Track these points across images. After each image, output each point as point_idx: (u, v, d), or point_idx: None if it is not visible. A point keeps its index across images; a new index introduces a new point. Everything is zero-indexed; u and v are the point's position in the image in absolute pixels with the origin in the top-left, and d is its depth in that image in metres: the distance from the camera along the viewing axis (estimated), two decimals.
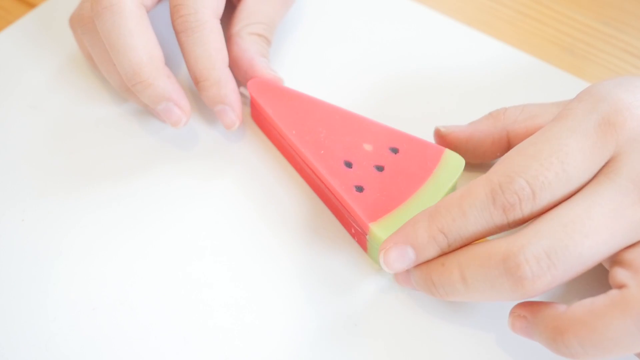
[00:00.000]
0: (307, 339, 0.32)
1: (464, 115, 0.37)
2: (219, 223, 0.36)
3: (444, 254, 0.30)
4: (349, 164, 0.35)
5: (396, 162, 0.35)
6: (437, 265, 0.29)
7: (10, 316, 0.33)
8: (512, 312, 0.30)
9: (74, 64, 0.43)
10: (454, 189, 0.34)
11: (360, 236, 0.34)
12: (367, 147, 0.35)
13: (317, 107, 0.37)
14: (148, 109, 0.40)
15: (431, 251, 0.29)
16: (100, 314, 0.33)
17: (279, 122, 0.37)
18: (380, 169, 0.35)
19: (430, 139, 0.36)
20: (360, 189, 0.34)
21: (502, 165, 0.29)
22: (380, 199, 0.33)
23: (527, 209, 0.28)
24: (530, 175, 0.28)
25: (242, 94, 0.41)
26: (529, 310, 0.29)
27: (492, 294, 0.28)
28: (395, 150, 0.35)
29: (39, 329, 0.32)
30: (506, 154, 0.30)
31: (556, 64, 0.43)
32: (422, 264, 0.30)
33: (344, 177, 0.34)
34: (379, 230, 0.32)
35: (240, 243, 0.35)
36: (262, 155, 0.39)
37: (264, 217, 0.36)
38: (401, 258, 0.30)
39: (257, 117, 0.39)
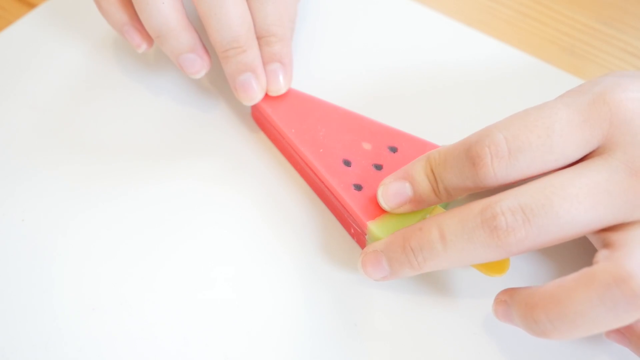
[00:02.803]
0: (306, 339, 0.32)
1: (463, 115, 0.37)
2: (218, 223, 0.36)
3: (435, 197, 0.30)
4: (347, 163, 0.35)
5: (395, 161, 0.35)
6: (415, 230, 0.29)
7: (10, 316, 0.33)
8: (495, 298, 0.30)
9: (74, 64, 0.43)
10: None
11: (359, 236, 0.34)
12: (366, 145, 0.35)
13: (316, 106, 0.37)
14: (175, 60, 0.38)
15: (424, 187, 0.30)
16: (99, 314, 0.33)
17: (278, 121, 0.37)
18: (379, 167, 0.35)
19: (429, 138, 0.36)
20: (358, 187, 0.34)
21: (490, 125, 0.29)
22: None
23: (499, 169, 0.28)
24: (510, 132, 0.27)
25: None
26: (508, 294, 0.29)
27: (469, 250, 0.28)
28: (394, 149, 0.35)
29: (39, 329, 0.32)
30: None
31: (556, 64, 0.43)
32: (399, 233, 0.30)
33: (342, 175, 0.34)
34: (377, 228, 0.32)
35: (240, 242, 0.35)
36: (262, 155, 0.39)
37: (264, 217, 0.36)
38: (400, 192, 0.31)
39: (257, 116, 0.39)
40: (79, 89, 0.42)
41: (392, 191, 0.31)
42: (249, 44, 0.37)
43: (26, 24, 0.46)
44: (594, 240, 0.29)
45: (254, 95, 0.37)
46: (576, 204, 0.26)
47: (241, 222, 0.36)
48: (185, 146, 0.39)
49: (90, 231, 0.36)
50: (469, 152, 0.28)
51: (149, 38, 0.39)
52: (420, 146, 0.35)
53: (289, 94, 0.38)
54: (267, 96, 0.38)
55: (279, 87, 0.38)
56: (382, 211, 0.33)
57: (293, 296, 0.33)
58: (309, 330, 0.32)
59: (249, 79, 0.37)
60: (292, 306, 0.33)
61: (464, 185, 0.29)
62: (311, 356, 0.31)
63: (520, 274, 0.34)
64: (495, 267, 0.31)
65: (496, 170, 0.28)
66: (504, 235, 0.27)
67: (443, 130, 0.39)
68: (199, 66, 0.38)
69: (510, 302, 0.28)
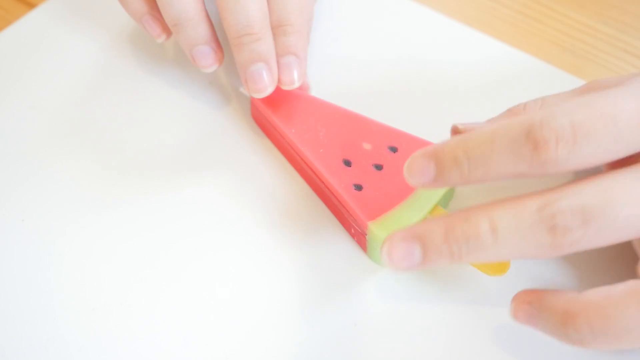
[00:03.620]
0: (306, 339, 0.32)
1: (463, 115, 0.37)
2: (218, 223, 0.36)
3: (462, 180, 0.28)
4: (348, 163, 0.35)
5: (395, 161, 0.35)
6: (460, 219, 0.27)
7: (10, 316, 0.33)
8: (515, 298, 0.28)
9: (74, 64, 0.43)
10: (452, 189, 0.34)
11: (359, 236, 0.34)
12: (366, 145, 0.35)
13: (316, 106, 0.37)
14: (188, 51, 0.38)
15: (451, 171, 0.28)
16: (99, 314, 0.33)
17: (278, 121, 0.37)
18: (379, 167, 0.35)
19: (429, 138, 0.36)
20: (359, 187, 0.34)
21: (549, 107, 0.27)
22: (379, 197, 0.33)
23: (562, 154, 0.26)
24: (577, 117, 0.26)
25: (242, 93, 0.41)
26: (536, 296, 0.28)
27: (521, 247, 0.26)
28: (394, 149, 0.35)
29: (39, 329, 0.32)
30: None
31: (556, 64, 0.43)
32: (438, 221, 0.28)
33: (343, 175, 0.34)
34: (377, 228, 0.32)
35: (240, 243, 0.35)
36: (262, 155, 0.39)
37: (264, 217, 0.36)
38: (424, 170, 0.28)
39: (257, 116, 0.39)
40: (79, 89, 0.42)
41: (414, 168, 0.29)
42: (264, 32, 0.36)
43: (26, 24, 0.46)
44: (637, 245, 0.28)
45: (264, 87, 0.36)
46: (637, 209, 0.25)
47: (240, 222, 0.36)
48: (184, 147, 0.39)
49: (90, 231, 0.36)
50: (530, 135, 0.26)
51: (168, 28, 0.38)
52: (420, 146, 0.35)
53: (289, 94, 0.38)
54: (267, 96, 0.38)
55: (292, 80, 0.36)
56: (383, 211, 0.33)
57: (293, 296, 0.33)
58: (308, 330, 0.32)
59: (260, 70, 0.35)
60: (292, 306, 0.33)
61: (513, 169, 0.27)
62: (311, 356, 0.31)
63: (520, 274, 0.34)
64: (496, 267, 0.31)
65: (559, 156, 0.26)
66: (561, 235, 0.25)
67: (443, 130, 0.39)
68: (212, 60, 0.37)
69: (540, 306, 0.27)
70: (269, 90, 0.36)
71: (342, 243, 0.35)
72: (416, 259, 0.28)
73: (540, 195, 0.26)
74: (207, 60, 0.37)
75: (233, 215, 0.36)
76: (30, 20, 0.46)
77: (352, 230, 0.35)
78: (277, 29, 0.36)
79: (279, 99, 0.38)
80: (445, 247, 0.27)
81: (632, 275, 0.29)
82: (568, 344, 0.26)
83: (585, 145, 0.26)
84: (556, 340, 0.27)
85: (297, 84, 0.37)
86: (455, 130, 0.34)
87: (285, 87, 0.37)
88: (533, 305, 0.28)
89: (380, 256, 0.29)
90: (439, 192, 0.33)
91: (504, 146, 0.27)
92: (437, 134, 0.37)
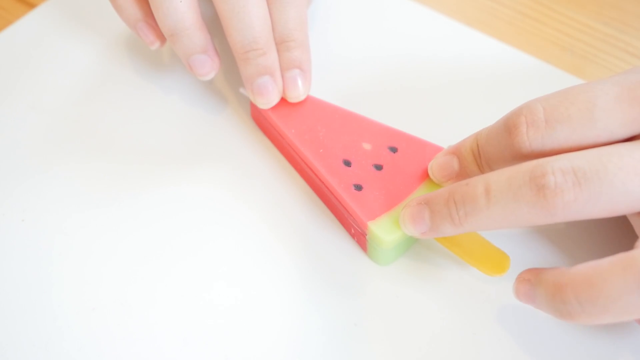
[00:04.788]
0: (306, 339, 0.32)
1: (464, 115, 0.37)
2: (218, 223, 0.36)
3: (479, 167, 0.30)
4: (347, 163, 0.35)
5: (395, 161, 0.35)
6: (461, 185, 0.29)
7: (10, 316, 0.33)
8: (518, 277, 0.29)
9: (74, 65, 0.43)
10: None
11: (360, 237, 0.34)
12: (366, 146, 0.35)
13: (316, 106, 0.37)
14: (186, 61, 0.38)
15: (470, 160, 0.31)
16: (99, 314, 0.33)
17: (278, 121, 0.37)
18: (379, 167, 0.35)
19: (429, 138, 0.36)
20: (359, 187, 0.34)
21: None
22: (379, 197, 0.33)
23: (534, 138, 0.27)
24: (549, 103, 0.27)
25: (242, 94, 0.41)
26: (534, 273, 0.28)
27: (513, 209, 0.27)
28: (394, 150, 0.35)
29: (39, 329, 0.32)
30: None
31: (556, 64, 0.43)
32: (446, 187, 0.30)
33: (342, 175, 0.34)
34: (377, 228, 0.32)
35: (240, 243, 0.35)
36: (262, 155, 0.39)
37: (264, 217, 0.36)
38: (446, 165, 0.32)
39: (257, 116, 0.39)
40: (79, 89, 0.42)
41: (439, 164, 0.32)
42: (269, 46, 0.36)
43: (26, 24, 0.46)
44: (637, 224, 0.28)
45: (271, 99, 0.36)
46: (632, 175, 0.25)
47: (241, 222, 0.36)
48: (184, 147, 0.39)
49: (90, 231, 0.36)
50: (506, 122, 0.28)
51: (162, 36, 0.38)
52: (420, 146, 0.35)
53: None
54: None
55: (298, 94, 0.37)
56: (383, 211, 0.33)
57: (293, 296, 0.33)
58: (308, 330, 0.32)
59: (266, 83, 0.36)
60: (292, 306, 0.33)
61: (502, 155, 0.29)
62: (311, 356, 0.31)
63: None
64: (495, 266, 0.32)
65: (531, 140, 0.27)
66: (552, 195, 0.25)
67: (443, 130, 0.39)
68: (209, 67, 0.37)
69: (536, 281, 0.27)
70: (275, 101, 0.37)
71: (342, 243, 0.35)
72: (426, 223, 0.30)
73: (535, 160, 0.27)
74: (205, 69, 0.37)
75: (233, 215, 0.36)
76: (30, 20, 0.46)
77: (352, 230, 0.35)
78: (280, 45, 0.37)
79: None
80: (446, 210, 0.29)
81: None
82: (560, 319, 0.26)
83: (558, 129, 0.26)
84: (552, 317, 0.27)
85: (302, 97, 0.37)
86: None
87: (292, 100, 0.37)
88: (530, 282, 0.28)
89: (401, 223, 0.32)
90: None
91: (493, 136, 0.29)
92: (437, 134, 0.37)
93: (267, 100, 0.37)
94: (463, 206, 0.28)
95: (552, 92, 0.28)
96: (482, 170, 0.31)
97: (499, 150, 0.29)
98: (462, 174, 0.32)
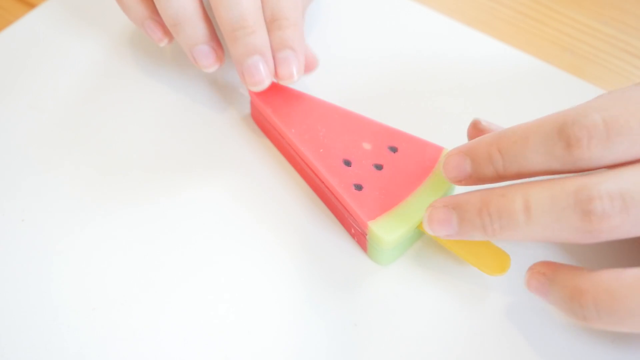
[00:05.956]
0: (307, 339, 0.32)
1: (463, 115, 0.37)
2: (218, 223, 0.36)
3: (498, 177, 0.28)
4: (348, 163, 0.35)
5: (395, 161, 0.35)
6: (496, 195, 0.27)
7: (10, 316, 0.33)
8: (531, 268, 0.28)
9: (74, 65, 0.43)
10: (452, 187, 0.34)
11: (360, 237, 0.34)
12: (366, 145, 0.35)
13: (316, 106, 0.37)
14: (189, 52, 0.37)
15: (486, 168, 0.28)
16: (100, 314, 0.33)
17: (278, 121, 0.37)
18: (379, 167, 0.35)
19: (429, 138, 0.36)
20: (359, 187, 0.34)
21: (583, 104, 0.26)
22: (379, 197, 0.33)
23: (595, 152, 0.25)
24: (610, 114, 0.25)
25: (242, 94, 0.41)
26: (551, 268, 0.27)
27: (554, 229, 0.26)
28: (394, 149, 0.35)
29: (39, 329, 0.32)
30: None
31: (556, 64, 0.43)
32: (477, 194, 0.28)
33: (343, 175, 0.34)
34: (377, 228, 0.32)
35: (240, 243, 0.35)
36: (262, 155, 0.39)
37: (264, 217, 0.36)
38: (460, 166, 0.29)
39: (257, 116, 0.39)
40: (79, 89, 0.42)
41: (452, 165, 0.30)
42: (258, 25, 0.35)
43: (26, 24, 0.46)
44: None
45: (262, 80, 0.35)
46: None
47: (240, 221, 0.36)
48: (183, 147, 0.39)
49: (90, 231, 0.36)
50: (562, 132, 0.26)
51: (169, 32, 0.38)
52: (420, 146, 0.35)
53: (289, 94, 0.38)
54: (267, 95, 0.38)
55: (291, 74, 0.36)
56: (383, 211, 0.33)
57: (293, 296, 0.33)
58: (309, 330, 0.32)
59: (256, 62, 0.35)
60: (292, 306, 0.33)
61: (547, 166, 0.27)
62: (311, 356, 0.31)
63: (521, 274, 0.34)
64: (495, 266, 0.32)
65: (592, 153, 0.25)
66: (598, 221, 0.25)
67: (443, 130, 0.39)
68: (213, 59, 0.37)
69: (554, 278, 0.27)
70: (266, 83, 0.36)
71: (342, 243, 0.35)
72: (453, 227, 0.29)
73: (580, 178, 0.26)
74: (208, 60, 0.37)
75: (232, 215, 0.36)
76: (30, 20, 0.46)
77: (352, 230, 0.35)
78: (271, 23, 0.36)
79: (279, 98, 0.38)
80: (479, 221, 0.28)
81: None
82: (572, 319, 0.26)
83: (618, 142, 0.25)
84: (563, 314, 0.27)
85: (296, 78, 0.36)
86: (476, 126, 0.34)
87: (284, 82, 0.36)
88: (546, 276, 0.27)
89: (422, 223, 0.31)
90: (439, 192, 0.33)
91: (537, 143, 0.27)
92: (437, 133, 0.37)
93: (258, 81, 0.35)
94: (499, 219, 0.27)
95: (604, 97, 0.27)
96: (499, 175, 0.29)
97: (546, 160, 0.27)
98: (474, 177, 0.30)
